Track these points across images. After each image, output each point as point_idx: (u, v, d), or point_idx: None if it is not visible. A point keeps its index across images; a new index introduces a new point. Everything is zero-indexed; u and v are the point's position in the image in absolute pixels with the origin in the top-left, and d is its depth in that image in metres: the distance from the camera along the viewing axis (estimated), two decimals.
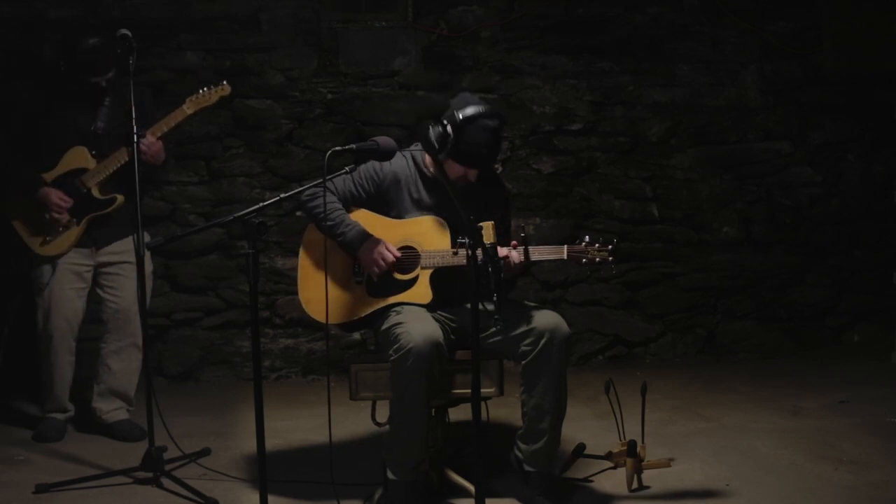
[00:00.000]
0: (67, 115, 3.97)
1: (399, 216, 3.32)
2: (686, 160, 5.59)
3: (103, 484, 3.48)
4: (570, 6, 5.45)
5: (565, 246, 3.12)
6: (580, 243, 3.11)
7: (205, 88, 3.90)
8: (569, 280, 5.51)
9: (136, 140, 3.57)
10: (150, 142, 3.83)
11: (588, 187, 5.52)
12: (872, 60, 5.53)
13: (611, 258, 3.08)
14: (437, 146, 3.05)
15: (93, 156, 3.95)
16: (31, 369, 4.21)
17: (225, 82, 3.93)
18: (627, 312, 5.57)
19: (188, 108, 3.88)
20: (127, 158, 3.86)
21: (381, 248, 3.22)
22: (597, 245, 3.09)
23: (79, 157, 3.95)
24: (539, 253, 3.12)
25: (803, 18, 5.61)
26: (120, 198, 3.97)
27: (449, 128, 3.08)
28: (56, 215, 3.92)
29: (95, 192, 3.95)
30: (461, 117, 3.09)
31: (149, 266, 4.15)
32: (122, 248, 4.07)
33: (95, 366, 4.13)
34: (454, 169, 3.19)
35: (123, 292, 4.06)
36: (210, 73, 5.13)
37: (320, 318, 3.25)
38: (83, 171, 3.94)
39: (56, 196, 3.90)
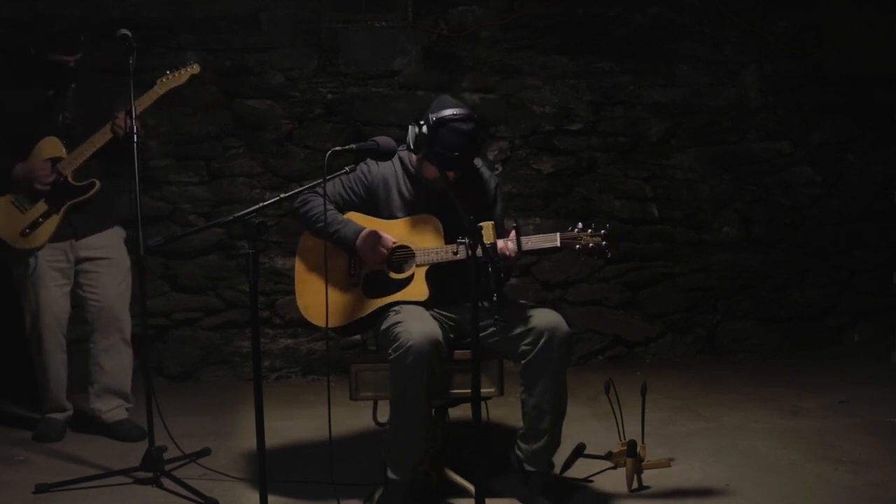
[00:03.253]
0: (33, 107, 3.96)
1: (390, 217, 3.33)
2: (686, 160, 5.59)
3: (103, 484, 3.48)
4: (570, 6, 5.45)
5: (558, 233, 3.12)
6: (573, 230, 3.11)
7: (174, 70, 3.95)
8: (569, 280, 5.51)
9: (135, 140, 3.57)
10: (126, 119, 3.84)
11: (588, 187, 5.52)
12: (872, 60, 5.52)
13: (604, 243, 3.07)
14: (413, 147, 3.06)
15: (64, 145, 3.95)
16: (26, 369, 4.21)
17: (194, 62, 3.99)
18: (627, 312, 5.57)
19: (159, 89, 3.91)
20: (101, 144, 3.88)
21: (379, 237, 3.23)
22: (589, 230, 3.09)
23: (51, 147, 3.95)
24: (532, 242, 3.12)
25: (803, 18, 5.61)
26: (97, 183, 3.97)
27: (424, 129, 3.09)
28: (44, 181, 3.88)
29: (72, 180, 3.95)
30: (434, 119, 3.11)
31: (127, 261, 4.15)
32: (100, 244, 4.06)
33: (87, 367, 4.13)
34: (431, 170, 3.20)
35: (104, 289, 4.06)
36: (210, 73, 5.14)
37: (320, 322, 3.26)
38: (58, 160, 3.94)
39: (38, 165, 3.90)
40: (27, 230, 3.93)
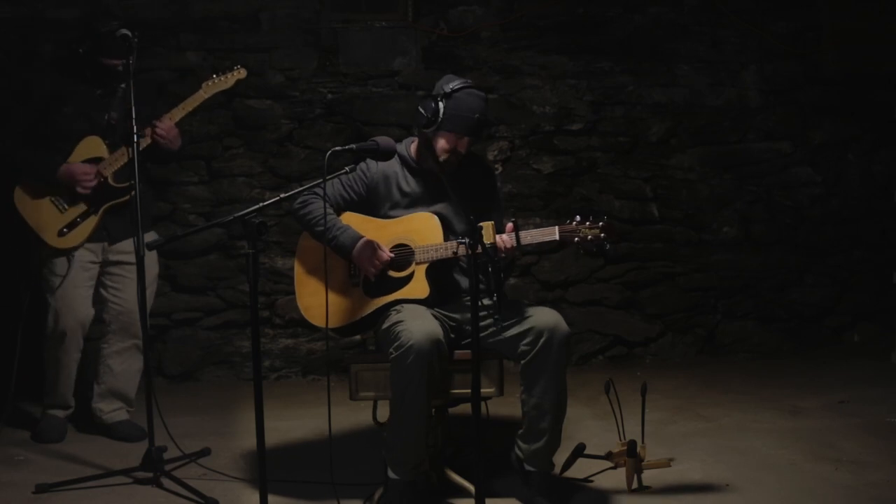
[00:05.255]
0: (80, 105, 3.95)
1: (390, 212, 3.33)
2: (686, 160, 5.59)
3: (103, 484, 3.48)
4: (570, 6, 5.45)
5: (557, 226, 3.12)
6: (571, 222, 3.11)
7: (220, 73, 3.99)
8: (569, 280, 5.51)
9: (135, 140, 3.57)
10: (168, 126, 3.90)
11: (588, 187, 5.52)
12: (872, 60, 5.53)
13: (603, 234, 3.07)
14: (428, 119, 3.13)
15: (106, 145, 3.95)
16: (31, 368, 4.20)
17: (240, 66, 4.02)
18: (627, 312, 5.57)
19: (205, 92, 3.95)
20: (147, 143, 3.88)
21: (375, 249, 3.23)
22: (587, 223, 3.09)
23: (93, 146, 3.94)
24: (531, 236, 3.12)
25: (803, 18, 5.61)
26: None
27: (439, 98, 3.17)
28: (86, 185, 3.87)
29: (112, 181, 3.93)
30: (448, 89, 3.19)
31: (155, 268, 4.16)
32: (130, 248, 4.05)
33: (96, 366, 4.13)
34: (447, 139, 3.21)
35: (127, 294, 4.05)
36: (210, 73, 5.12)
37: (320, 323, 3.26)
38: (98, 160, 3.93)
39: (80, 168, 3.87)
40: (64, 229, 3.93)
